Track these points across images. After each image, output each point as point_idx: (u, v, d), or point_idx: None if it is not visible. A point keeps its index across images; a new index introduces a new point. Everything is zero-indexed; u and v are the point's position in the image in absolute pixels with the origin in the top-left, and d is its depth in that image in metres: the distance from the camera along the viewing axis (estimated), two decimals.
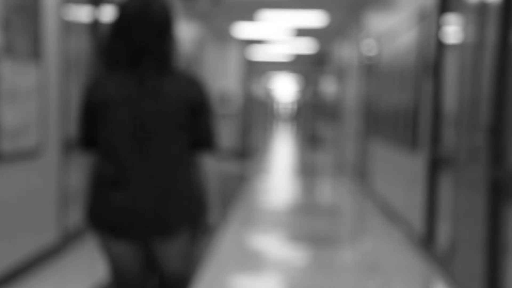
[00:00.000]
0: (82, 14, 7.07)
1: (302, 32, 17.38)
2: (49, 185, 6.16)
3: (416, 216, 7.33)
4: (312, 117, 29.89)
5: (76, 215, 6.92)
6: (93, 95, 2.87)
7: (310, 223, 8.28)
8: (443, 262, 6.03)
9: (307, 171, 15.30)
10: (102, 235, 2.88)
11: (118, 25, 2.85)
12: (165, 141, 2.83)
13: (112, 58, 2.87)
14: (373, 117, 11.06)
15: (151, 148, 2.83)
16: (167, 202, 2.84)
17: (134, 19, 2.83)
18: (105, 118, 2.84)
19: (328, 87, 22.60)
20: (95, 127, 2.89)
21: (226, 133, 18.34)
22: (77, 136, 2.96)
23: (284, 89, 51.10)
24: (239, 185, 12.05)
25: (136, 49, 2.84)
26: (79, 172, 7.01)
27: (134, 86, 2.84)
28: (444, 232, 6.23)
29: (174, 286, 3.01)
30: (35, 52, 5.74)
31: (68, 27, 6.61)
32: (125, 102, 2.83)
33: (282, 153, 21.70)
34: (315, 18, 14.36)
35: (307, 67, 30.00)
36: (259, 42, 20.18)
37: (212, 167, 2.95)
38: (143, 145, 2.83)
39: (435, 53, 6.71)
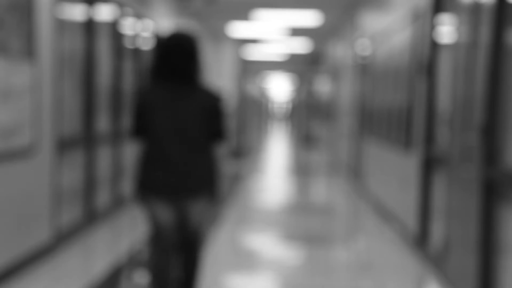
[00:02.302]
0: (76, 12, 7.06)
1: (296, 32, 17.39)
2: (42, 185, 6.15)
3: (409, 216, 7.34)
4: (306, 116, 29.90)
5: (69, 215, 6.92)
6: (143, 100, 4.07)
7: (304, 223, 8.28)
8: (437, 261, 6.04)
9: (301, 171, 15.31)
10: (149, 199, 4.09)
11: (161, 53, 4.09)
12: (192, 133, 4.06)
13: (156, 75, 4.12)
14: (367, 116, 11.07)
15: (182, 138, 4.06)
16: (192, 176, 4.07)
17: (172, 49, 4.07)
18: (152, 116, 4.05)
19: (323, 86, 22.61)
20: (143, 122, 4.07)
21: None
22: (129, 128, 4.12)
23: (279, 88, 51.11)
24: (233, 184, 12.05)
25: (172, 70, 4.08)
26: (72, 171, 7.00)
27: (171, 95, 4.08)
28: (437, 231, 6.24)
29: (193, 236, 4.24)
30: (28, 51, 5.72)
31: (62, 25, 6.60)
32: (165, 106, 4.06)
33: (276, 152, 21.70)
34: (309, 18, 14.37)
35: (301, 67, 30.01)
36: (253, 41, 20.17)
37: (222, 153, 4.15)
38: (177, 136, 4.05)
39: (429, 53, 6.72)
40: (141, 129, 4.08)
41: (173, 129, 4.05)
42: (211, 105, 4.09)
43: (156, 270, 4.15)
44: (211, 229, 4.62)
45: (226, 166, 4.19)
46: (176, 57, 4.06)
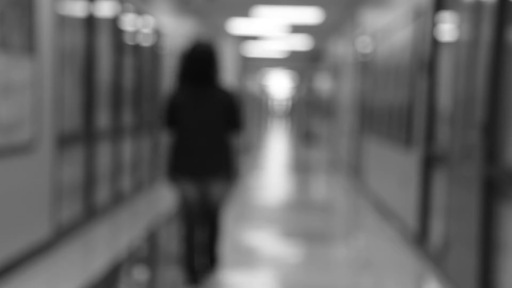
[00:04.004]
0: (77, 8, 7.05)
1: (297, 29, 17.38)
2: (43, 180, 6.14)
3: (409, 213, 7.34)
4: (306, 113, 29.90)
5: (69, 210, 6.91)
6: (173, 99, 5.02)
7: (304, 220, 8.28)
8: (436, 259, 6.04)
9: (301, 168, 15.31)
10: (178, 179, 5.04)
11: (187, 59, 5.00)
12: (212, 126, 5.00)
13: (182, 79, 5.06)
14: (367, 114, 11.07)
15: (205, 130, 5.00)
16: (212, 160, 5.03)
17: (195, 58, 4.99)
18: (181, 112, 5.00)
19: (323, 84, 22.60)
20: (174, 117, 5.02)
21: None
22: (162, 121, 5.05)
23: (279, 85, 51.08)
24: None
25: (196, 74, 5.01)
26: (72, 167, 7.00)
27: (195, 95, 5.02)
28: (437, 229, 6.24)
29: (214, 208, 5.18)
30: (29, 46, 5.72)
31: (63, 21, 6.59)
32: (191, 104, 5.00)
33: (276, 149, 21.70)
34: (310, 15, 14.36)
35: (302, 64, 30.00)
36: (254, 38, 20.16)
37: (238, 141, 5.10)
38: (200, 128, 4.99)
39: (430, 51, 6.72)
40: (171, 122, 5.03)
41: (197, 123, 4.99)
42: (227, 102, 5.02)
43: (185, 236, 5.13)
44: (227, 202, 5.36)
45: (241, 154, 4.97)
46: (199, 64, 4.99)
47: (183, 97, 5.01)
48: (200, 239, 5.20)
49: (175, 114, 5.02)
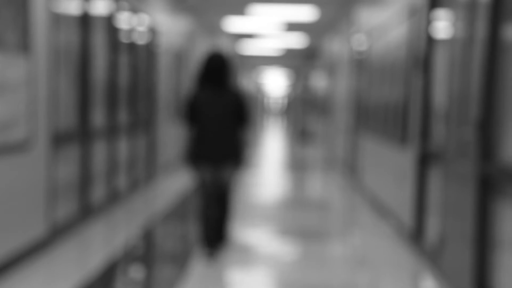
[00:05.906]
0: (72, 6, 7.04)
1: (293, 27, 17.38)
2: (38, 179, 6.14)
3: (405, 211, 7.35)
4: (302, 111, 29.90)
5: (65, 209, 6.91)
6: (194, 98, 6.07)
7: (300, 218, 8.28)
8: (432, 256, 6.05)
9: (297, 166, 15.31)
10: (196, 164, 6.06)
11: (206, 66, 6.08)
12: (225, 121, 6.04)
13: (201, 82, 6.12)
14: (363, 111, 11.07)
15: (218, 124, 6.03)
16: (224, 149, 6.04)
17: (214, 65, 6.08)
18: (199, 109, 6.04)
19: (319, 81, 22.60)
20: (193, 112, 6.06)
21: None
22: (182, 115, 6.11)
23: (275, 83, 51.09)
24: None
25: (211, 78, 6.08)
26: (67, 165, 6.99)
27: (211, 95, 6.07)
28: (433, 226, 6.25)
29: (225, 188, 6.19)
30: (24, 45, 5.71)
31: (58, 19, 6.58)
32: (208, 102, 6.05)
33: (272, 147, 21.70)
34: (306, 13, 14.36)
35: (297, 62, 30.01)
36: (250, 36, 20.16)
37: (247, 133, 6.14)
38: (215, 122, 6.03)
39: (425, 48, 6.72)
40: (191, 117, 6.08)
41: (212, 118, 6.02)
42: (236, 101, 6.05)
43: (202, 210, 6.10)
44: (236, 184, 6.10)
45: (249, 146, 5.39)
46: (214, 71, 6.07)
47: (201, 97, 6.06)
48: (214, 215, 6.13)
49: (195, 111, 6.05)
